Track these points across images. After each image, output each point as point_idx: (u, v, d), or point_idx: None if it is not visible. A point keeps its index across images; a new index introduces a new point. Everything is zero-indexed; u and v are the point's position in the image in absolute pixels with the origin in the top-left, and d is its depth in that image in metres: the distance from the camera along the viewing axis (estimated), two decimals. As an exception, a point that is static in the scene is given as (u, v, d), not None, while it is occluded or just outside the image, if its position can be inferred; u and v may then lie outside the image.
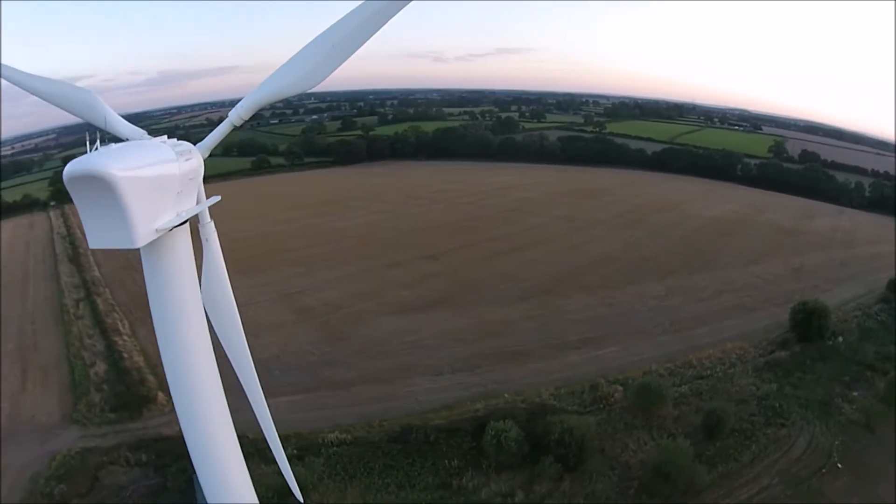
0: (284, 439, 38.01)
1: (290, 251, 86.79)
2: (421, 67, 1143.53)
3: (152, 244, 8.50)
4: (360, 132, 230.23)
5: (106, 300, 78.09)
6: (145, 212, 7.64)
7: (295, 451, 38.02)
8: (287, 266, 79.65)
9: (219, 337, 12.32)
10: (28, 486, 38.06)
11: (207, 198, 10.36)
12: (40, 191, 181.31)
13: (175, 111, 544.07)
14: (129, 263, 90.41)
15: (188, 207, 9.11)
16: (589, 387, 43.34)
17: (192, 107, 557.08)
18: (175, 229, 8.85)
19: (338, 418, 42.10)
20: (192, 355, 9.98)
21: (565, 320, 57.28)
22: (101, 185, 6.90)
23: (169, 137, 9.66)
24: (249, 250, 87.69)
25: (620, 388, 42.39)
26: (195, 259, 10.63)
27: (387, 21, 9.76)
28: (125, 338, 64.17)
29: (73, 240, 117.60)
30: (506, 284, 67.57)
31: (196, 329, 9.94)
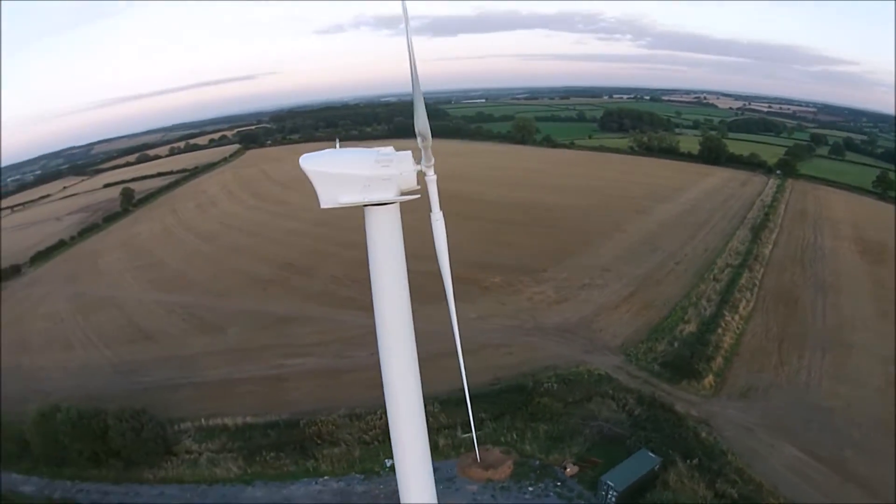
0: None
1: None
2: None
3: (369, 213, 12.42)
4: None
5: (752, 278, 75.51)
6: (328, 191, 11.98)
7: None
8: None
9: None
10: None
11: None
12: (773, 155, 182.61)
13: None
14: (800, 256, 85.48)
15: (380, 196, 12.16)
16: None
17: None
18: (385, 206, 12.39)
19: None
20: (388, 302, 12.93)
21: None
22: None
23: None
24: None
25: None
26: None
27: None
28: (737, 318, 61.91)
29: (769, 212, 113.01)
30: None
31: (390, 283, 12.83)
